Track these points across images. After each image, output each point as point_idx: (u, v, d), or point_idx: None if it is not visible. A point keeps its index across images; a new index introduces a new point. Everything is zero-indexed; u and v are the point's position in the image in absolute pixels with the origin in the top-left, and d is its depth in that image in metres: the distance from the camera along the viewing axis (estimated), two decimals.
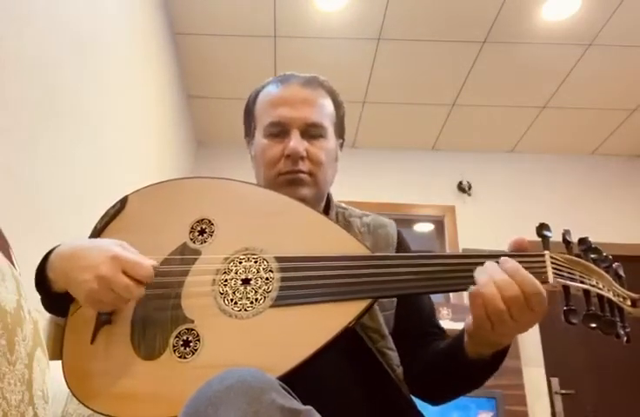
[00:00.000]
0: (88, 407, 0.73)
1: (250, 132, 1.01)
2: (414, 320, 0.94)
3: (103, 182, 1.99)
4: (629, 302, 0.71)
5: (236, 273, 0.75)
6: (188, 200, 0.86)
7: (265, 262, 0.75)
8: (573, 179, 3.72)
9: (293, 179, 0.90)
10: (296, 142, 0.90)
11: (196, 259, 0.78)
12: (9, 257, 0.92)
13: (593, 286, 0.69)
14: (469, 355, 0.76)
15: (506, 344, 0.75)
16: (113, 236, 0.84)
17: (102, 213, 0.88)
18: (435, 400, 0.92)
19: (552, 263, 0.69)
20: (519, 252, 0.71)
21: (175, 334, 0.73)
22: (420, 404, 0.90)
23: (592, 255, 0.72)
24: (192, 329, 0.72)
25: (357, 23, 2.78)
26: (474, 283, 0.67)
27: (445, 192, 3.67)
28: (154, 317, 0.74)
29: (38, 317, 0.81)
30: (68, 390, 0.75)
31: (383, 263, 0.73)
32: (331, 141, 0.96)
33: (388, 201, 3.53)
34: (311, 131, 0.93)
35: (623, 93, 3.19)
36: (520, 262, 0.68)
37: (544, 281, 0.67)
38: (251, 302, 0.72)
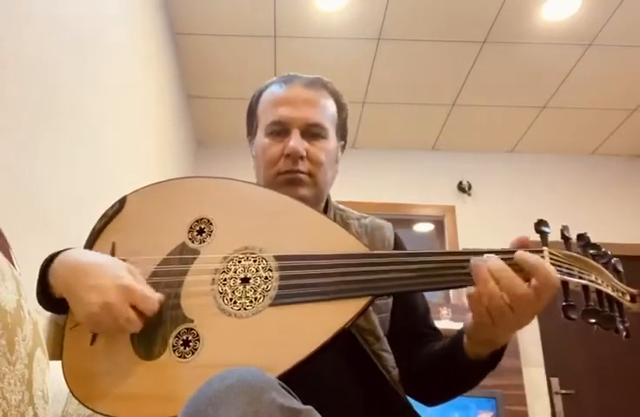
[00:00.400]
0: (88, 408, 0.73)
1: (252, 131, 1.01)
2: (409, 321, 0.95)
3: (103, 182, 1.98)
4: (628, 297, 0.72)
5: (236, 272, 0.75)
6: (186, 199, 0.86)
7: (264, 261, 0.75)
8: (573, 179, 3.72)
9: (292, 179, 0.90)
10: (295, 142, 0.90)
11: (195, 258, 0.78)
12: (9, 257, 0.92)
13: (592, 281, 0.70)
14: (467, 356, 0.76)
15: (505, 342, 0.75)
16: (112, 237, 0.84)
17: (102, 213, 0.88)
18: (431, 401, 0.92)
19: (551, 259, 0.69)
20: None
21: (174, 333, 0.73)
22: (419, 404, 0.90)
23: (591, 251, 0.73)
24: (192, 329, 0.72)
25: (357, 23, 2.78)
26: (472, 279, 0.67)
27: (445, 192, 3.67)
28: (153, 317, 0.74)
29: (38, 317, 0.81)
30: (68, 390, 0.75)
31: (382, 261, 0.72)
32: (332, 142, 0.96)
33: (388, 202, 3.53)
34: (312, 131, 0.93)
35: (623, 93, 3.19)
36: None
37: None
38: (251, 301, 0.72)
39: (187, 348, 0.71)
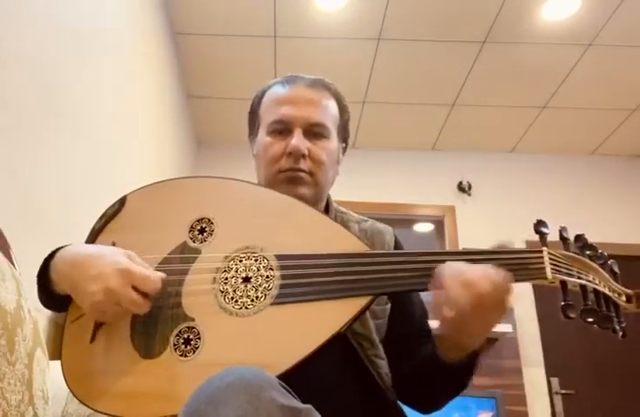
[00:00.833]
0: (88, 407, 0.73)
1: (253, 131, 1.02)
2: (405, 328, 0.95)
3: (103, 181, 1.98)
4: (624, 298, 0.73)
5: (237, 271, 0.75)
6: (187, 199, 0.86)
7: (265, 260, 0.75)
8: (573, 179, 3.72)
9: (293, 177, 0.90)
10: (298, 140, 0.90)
11: (196, 258, 0.78)
12: (9, 257, 0.92)
13: (590, 281, 0.71)
14: (442, 361, 0.78)
15: (474, 347, 0.76)
16: (112, 237, 0.84)
17: (101, 212, 0.88)
18: (425, 408, 0.92)
19: (550, 259, 0.70)
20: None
21: (175, 332, 0.72)
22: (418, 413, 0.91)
23: (588, 252, 0.74)
24: (193, 327, 0.72)
25: (357, 23, 2.78)
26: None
27: (445, 192, 3.67)
28: (154, 316, 0.74)
29: (38, 317, 0.81)
30: (68, 390, 0.75)
31: (383, 260, 0.73)
32: (334, 142, 0.96)
33: (388, 201, 3.53)
34: (314, 131, 0.93)
35: (623, 93, 3.19)
36: (519, 259, 0.70)
37: (543, 277, 0.68)
38: (252, 300, 0.72)
39: (188, 347, 0.71)
